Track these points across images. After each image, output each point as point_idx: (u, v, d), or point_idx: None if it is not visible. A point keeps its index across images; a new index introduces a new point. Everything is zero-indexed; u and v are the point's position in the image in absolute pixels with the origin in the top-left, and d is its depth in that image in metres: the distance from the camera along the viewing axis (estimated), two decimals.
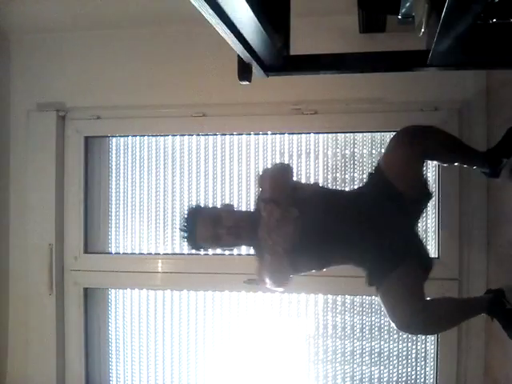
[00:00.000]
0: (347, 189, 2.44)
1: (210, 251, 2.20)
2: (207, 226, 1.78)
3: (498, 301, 1.93)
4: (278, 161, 2.52)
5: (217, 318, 2.62)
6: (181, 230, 1.89)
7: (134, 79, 2.57)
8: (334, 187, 2.46)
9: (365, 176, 2.46)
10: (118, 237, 2.72)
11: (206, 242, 1.83)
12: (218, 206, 2.00)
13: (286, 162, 2.42)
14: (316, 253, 1.77)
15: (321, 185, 2.14)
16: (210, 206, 2.28)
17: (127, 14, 2.48)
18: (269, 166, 2.36)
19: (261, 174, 1.96)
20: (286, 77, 1.59)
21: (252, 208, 2.00)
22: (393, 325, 1.81)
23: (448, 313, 1.86)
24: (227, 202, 2.51)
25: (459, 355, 2.32)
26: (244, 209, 2.48)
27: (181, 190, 2.65)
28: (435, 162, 2.25)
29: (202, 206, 2.10)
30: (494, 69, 2.06)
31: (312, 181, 2.48)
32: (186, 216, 1.89)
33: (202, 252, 2.08)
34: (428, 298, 1.82)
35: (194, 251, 1.95)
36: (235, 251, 2.48)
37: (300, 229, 1.72)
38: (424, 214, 2.27)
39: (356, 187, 2.30)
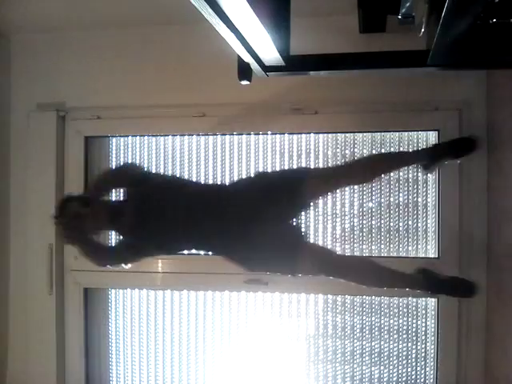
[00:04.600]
0: None
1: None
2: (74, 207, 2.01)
3: (431, 275, 2.05)
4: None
5: (217, 317, 2.62)
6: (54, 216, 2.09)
7: (134, 79, 2.57)
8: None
9: None
10: (117, 237, 2.72)
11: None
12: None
13: (125, 162, 2.66)
14: (155, 238, 1.99)
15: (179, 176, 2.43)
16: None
17: (127, 14, 2.48)
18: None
19: None
20: (286, 77, 1.59)
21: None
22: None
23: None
24: None
25: (459, 355, 2.32)
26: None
27: None
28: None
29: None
30: (494, 69, 2.06)
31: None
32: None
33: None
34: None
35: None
36: None
37: (134, 218, 1.99)
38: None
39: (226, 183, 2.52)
